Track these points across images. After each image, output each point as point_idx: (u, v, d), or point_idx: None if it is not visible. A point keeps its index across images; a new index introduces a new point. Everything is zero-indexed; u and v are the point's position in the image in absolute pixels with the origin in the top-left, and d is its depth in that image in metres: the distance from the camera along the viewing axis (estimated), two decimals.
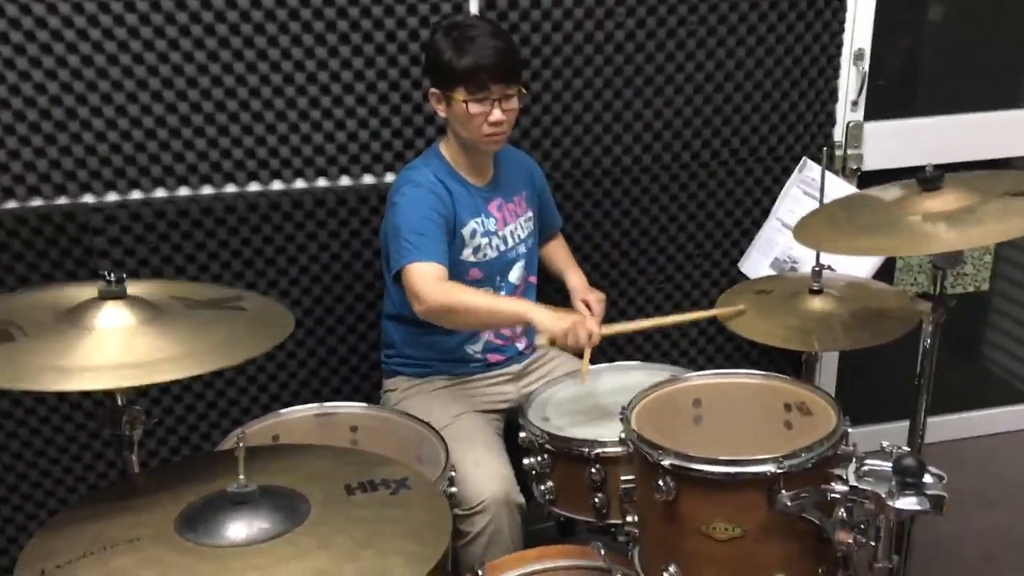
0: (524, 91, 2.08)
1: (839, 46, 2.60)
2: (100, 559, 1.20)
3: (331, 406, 2.05)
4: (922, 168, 1.76)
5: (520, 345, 2.30)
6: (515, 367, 2.29)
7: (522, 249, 2.24)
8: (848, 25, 2.59)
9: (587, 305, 2.23)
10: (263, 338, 1.46)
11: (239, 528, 1.24)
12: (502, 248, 2.19)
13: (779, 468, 1.51)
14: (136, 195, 2.28)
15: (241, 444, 1.30)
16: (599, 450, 1.85)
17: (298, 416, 2.01)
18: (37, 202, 2.23)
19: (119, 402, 1.45)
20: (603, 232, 2.59)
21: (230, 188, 2.33)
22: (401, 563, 1.20)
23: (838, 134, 2.69)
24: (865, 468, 1.48)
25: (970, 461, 3.01)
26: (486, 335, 2.22)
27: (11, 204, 2.22)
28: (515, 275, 2.23)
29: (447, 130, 2.15)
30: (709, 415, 1.79)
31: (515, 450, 2.04)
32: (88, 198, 2.26)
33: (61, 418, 2.37)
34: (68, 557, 1.20)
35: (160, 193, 2.30)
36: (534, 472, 1.97)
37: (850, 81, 2.65)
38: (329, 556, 1.20)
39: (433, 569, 1.20)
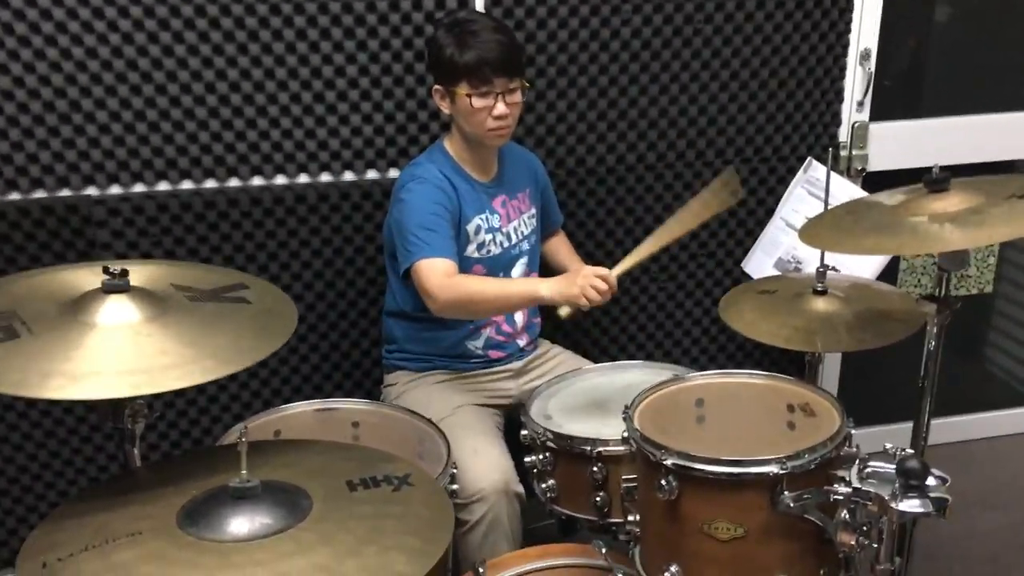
0: (527, 85, 2.08)
1: (845, 46, 2.59)
2: (102, 552, 1.19)
3: (333, 402, 2.05)
4: (927, 169, 1.76)
5: (521, 342, 2.29)
6: (516, 364, 2.29)
7: (525, 246, 2.24)
8: (854, 25, 2.59)
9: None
10: (269, 337, 1.45)
11: (241, 523, 1.24)
12: (506, 244, 2.19)
13: (782, 469, 1.50)
14: (139, 188, 2.28)
15: (244, 439, 1.29)
16: (601, 448, 1.85)
17: (299, 411, 2.01)
18: (40, 194, 2.23)
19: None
20: (607, 230, 2.59)
21: (233, 182, 2.33)
22: (403, 559, 1.20)
23: (843, 134, 2.69)
24: (868, 470, 1.48)
25: (973, 463, 3.01)
26: (487, 331, 2.22)
27: (14, 196, 2.22)
28: (518, 271, 2.23)
29: (451, 126, 2.14)
30: (712, 415, 1.79)
31: (516, 447, 2.04)
32: (91, 190, 2.26)
33: (61, 411, 2.37)
34: (70, 550, 1.20)
35: (163, 186, 2.29)
36: (535, 470, 1.97)
37: (856, 81, 2.64)
38: (331, 552, 1.20)
39: (435, 566, 1.20)
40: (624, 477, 1.79)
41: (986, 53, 2.86)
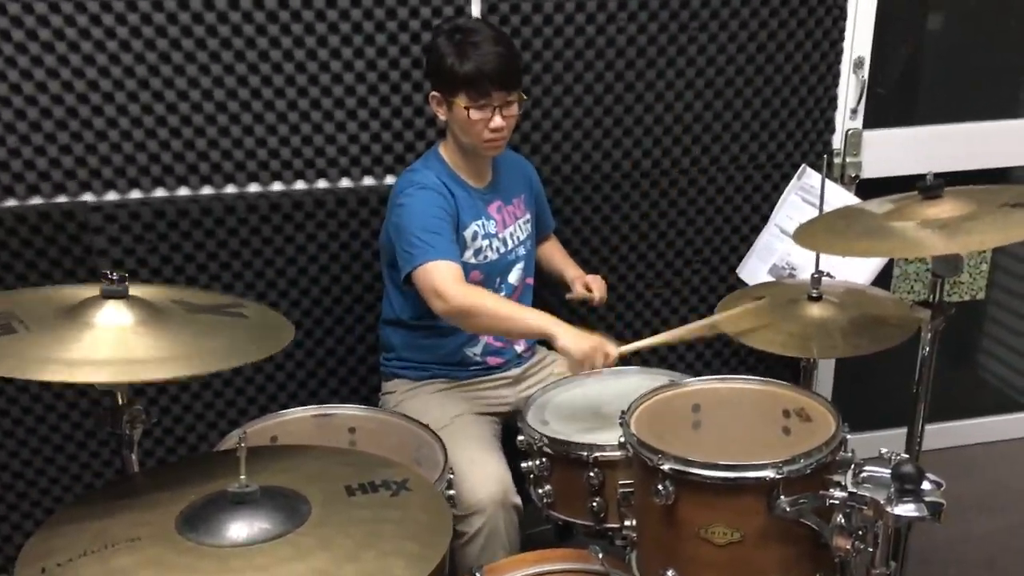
0: (524, 97, 2.09)
1: (839, 54, 2.61)
2: (101, 557, 1.19)
3: (329, 407, 2.04)
4: (921, 176, 1.77)
5: (519, 348, 2.30)
6: (514, 371, 2.29)
7: (521, 251, 2.25)
8: (848, 33, 2.60)
9: (588, 288, 2.30)
10: (262, 345, 1.47)
11: (240, 528, 1.24)
12: (502, 250, 2.19)
13: (778, 473, 1.51)
14: (136, 195, 2.28)
15: (243, 444, 1.30)
16: (598, 454, 1.85)
17: (296, 417, 2.01)
18: (37, 200, 2.23)
19: (119, 401, 1.45)
20: (602, 237, 2.60)
21: (230, 189, 2.33)
22: (402, 564, 1.20)
23: (837, 142, 2.70)
24: (864, 474, 1.48)
25: (967, 468, 3.02)
26: (486, 337, 2.22)
27: (11, 202, 2.22)
28: (514, 276, 2.24)
29: (447, 133, 2.15)
30: (708, 420, 1.80)
31: (513, 453, 2.04)
32: (88, 197, 2.26)
33: (58, 416, 2.37)
34: (69, 555, 1.20)
35: (160, 193, 2.30)
36: (532, 475, 1.97)
37: (850, 89, 2.66)
38: (330, 557, 1.20)
39: (433, 571, 1.20)
40: (621, 482, 1.79)
41: (979, 61, 2.88)
